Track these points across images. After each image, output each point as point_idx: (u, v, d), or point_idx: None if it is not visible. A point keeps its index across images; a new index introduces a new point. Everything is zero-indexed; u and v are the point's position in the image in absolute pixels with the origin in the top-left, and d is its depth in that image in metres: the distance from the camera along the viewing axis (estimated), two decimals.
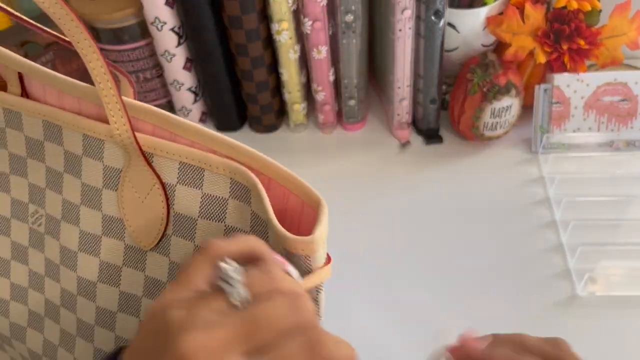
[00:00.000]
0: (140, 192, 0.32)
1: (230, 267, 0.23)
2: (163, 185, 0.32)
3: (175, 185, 0.32)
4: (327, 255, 0.28)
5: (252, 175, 0.29)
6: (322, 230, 0.27)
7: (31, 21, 0.35)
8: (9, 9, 0.34)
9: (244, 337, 0.21)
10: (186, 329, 0.21)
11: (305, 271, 0.27)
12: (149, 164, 0.32)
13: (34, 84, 0.35)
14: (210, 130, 0.31)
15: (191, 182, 0.31)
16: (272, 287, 0.23)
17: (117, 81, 0.31)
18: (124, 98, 0.31)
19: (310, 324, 0.22)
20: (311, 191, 0.28)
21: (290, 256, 0.27)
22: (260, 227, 0.30)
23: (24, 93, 0.36)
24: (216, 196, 0.31)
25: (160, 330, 0.22)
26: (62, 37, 0.34)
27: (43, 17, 0.70)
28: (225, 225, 0.31)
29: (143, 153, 0.31)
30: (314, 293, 0.29)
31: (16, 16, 0.35)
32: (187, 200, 0.32)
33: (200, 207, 0.31)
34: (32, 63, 0.34)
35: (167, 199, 0.32)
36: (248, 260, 0.24)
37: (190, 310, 0.22)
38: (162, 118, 0.31)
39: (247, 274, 0.23)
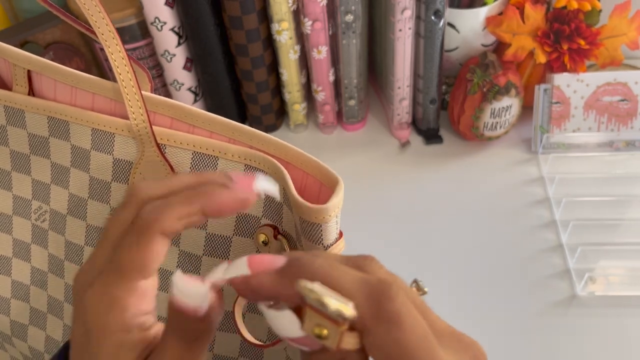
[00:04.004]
0: None
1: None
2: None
3: None
4: (340, 232, 0.29)
5: (269, 157, 0.30)
6: (336, 202, 0.27)
7: (63, 10, 0.36)
8: None
9: None
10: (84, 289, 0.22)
11: (317, 241, 0.28)
12: (162, 154, 0.32)
13: (44, 81, 0.35)
14: (228, 120, 0.31)
15: (204, 170, 0.32)
16: None
17: (135, 75, 0.32)
18: (142, 92, 0.32)
19: None
20: (329, 172, 0.29)
21: (305, 225, 0.28)
22: (273, 210, 0.31)
23: (31, 92, 0.36)
24: None
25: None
26: (87, 27, 0.35)
27: (44, 17, 0.70)
28: (237, 213, 0.32)
29: (157, 144, 0.32)
30: None
31: (51, 5, 0.35)
32: None
33: None
34: (45, 60, 0.34)
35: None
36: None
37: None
38: (181, 110, 0.32)
39: None
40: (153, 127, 0.32)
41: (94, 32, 0.31)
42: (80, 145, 0.34)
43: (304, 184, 0.30)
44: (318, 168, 0.29)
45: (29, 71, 0.35)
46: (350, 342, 0.20)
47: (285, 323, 0.20)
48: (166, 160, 0.32)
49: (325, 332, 0.19)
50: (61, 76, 0.34)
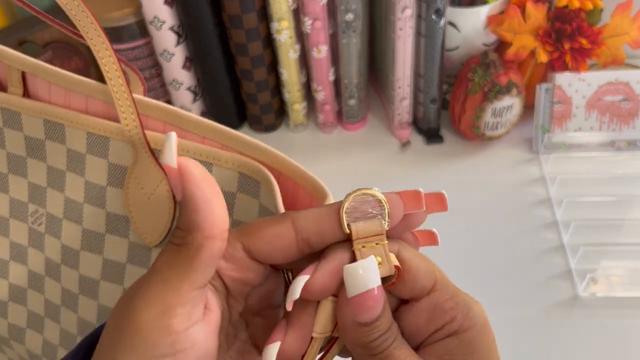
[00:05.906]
0: (147, 189, 0.32)
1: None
2: None
3: None
4: None
5: (263, 168, 0.29)
6: None
7: (48, 15, 0.35)
8: (26, 1, 0.34)
9: None
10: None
11: None
12: (157, 160, 0.31)
13: (39, 83, 0.34)
14: (221, 125, 0.31)
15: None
16: None
17: (127, 78, 0.31)
18: (134, 95, 0.31)
19: None
20: (318, 184, 0.28)
21: None
22: None
23: (26, 94, 0.35)
24: (224, 191, 0.31)
25: None
26: (75, 31, 0.34)
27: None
28: (232, 220, 0.31)
29: (151, 149, 0.31)
30: None
31: (35, 9, 0.35)
32: None
33: None
34: (39, 61, 0.34)
35: (175, 195, 0.32)
36: None
37: None
38: (173, 114, 0.31)
39: None
40: (146, 131, 0.32)
41: (81, 36, 0.31)
42: (75, 149, 0.34)
43: (295, 195, 0.29)
44: (308, 179, 0.29)
45: (23, 72, 0.35)
46: (395, 260, 0.23)
47: (370, 269, 0.22)
48: (160, 165, 0.32)
49: (379, 259, 0.22)
50: (54, 78, 0.33)
